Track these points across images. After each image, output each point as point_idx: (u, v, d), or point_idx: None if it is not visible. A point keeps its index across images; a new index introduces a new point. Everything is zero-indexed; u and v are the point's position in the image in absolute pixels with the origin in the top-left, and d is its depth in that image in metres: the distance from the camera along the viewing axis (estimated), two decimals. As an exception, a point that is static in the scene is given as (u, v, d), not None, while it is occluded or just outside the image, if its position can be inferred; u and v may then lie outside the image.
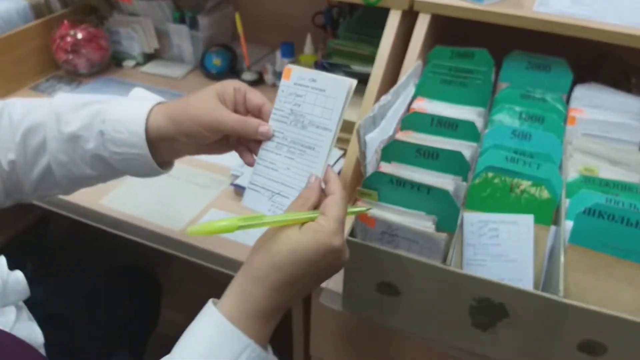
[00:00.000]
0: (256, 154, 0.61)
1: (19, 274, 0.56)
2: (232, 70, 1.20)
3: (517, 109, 0.76)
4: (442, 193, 0.57)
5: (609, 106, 0.77)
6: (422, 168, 0.65)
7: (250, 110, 0.61)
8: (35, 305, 0.86)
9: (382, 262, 0.60)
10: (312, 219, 0.51)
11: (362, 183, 0.60)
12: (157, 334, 1.05)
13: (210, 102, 0.59)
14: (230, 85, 0.60)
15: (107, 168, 0.65)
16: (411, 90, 0.80)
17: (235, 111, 0.60)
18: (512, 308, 0.56)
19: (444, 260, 0.58)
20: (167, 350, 0.50)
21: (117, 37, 1.27)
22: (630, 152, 0.72)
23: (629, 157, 0.70)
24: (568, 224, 0.60)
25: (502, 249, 0.62)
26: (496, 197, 0.64)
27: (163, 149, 0.63)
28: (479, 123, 0.73)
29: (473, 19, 0.82)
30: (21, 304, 0.57)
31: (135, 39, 1.25)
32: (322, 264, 0.50)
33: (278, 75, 1.14)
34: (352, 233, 0.61)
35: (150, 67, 1.27)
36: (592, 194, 0.62)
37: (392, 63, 0.86)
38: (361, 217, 0.59)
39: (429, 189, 0.57)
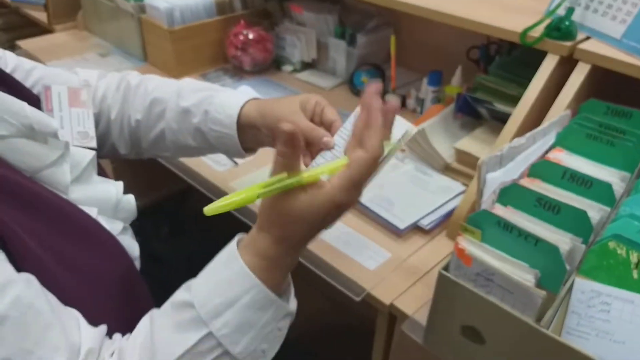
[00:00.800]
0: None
1: (130, 197, 0.67)
2: (377, 90, 1.23)
3: (670, 182, 0.67)
4: (551, 248, 0.53)
5: None
6: (539, 220, 0.60)
7: (324, 123, 0.68)
8: (153, 259, 0.97)
9: (471, 304, 0.57)
10: (336, 169, 0.50)
11: (468, 219, 0.58)
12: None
13: (292, 106, 0.68)
14: (313, 98, 0.69)
15: (204, 142, 0.76)
16: (551, 139, 0.75)
17: (312, 120, 0.68)
18: (606, 393, 0.50)
19: (538, 320, 0.54)
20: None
21: (282, 43, 1.37)
22: None
23: None
24: (700, 321, 0.52)
25: (611, 327, 0.55)
26: (617, 269, 0.57)
27: (249, 135, 0.73)
28: (619, 187, 0.67)
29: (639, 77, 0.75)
30: (128, 226, 0.67)
31: (298, 47, 1.34)
32: (322, 219, 0.51)
33: (420, 101, 1.14)
34: (446, 267, 0.60)
35: (305, 75, 1.36)
36: None
37: (538, 108, 0.82)
38: (458, 253, 0.57)
39: (537, 241, 0.54)
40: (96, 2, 1.46)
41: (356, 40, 1.27)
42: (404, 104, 1.19)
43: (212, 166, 1.01)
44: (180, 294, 0.52)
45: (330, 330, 1.39)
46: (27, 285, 0.46)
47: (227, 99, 0.74)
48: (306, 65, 1.38)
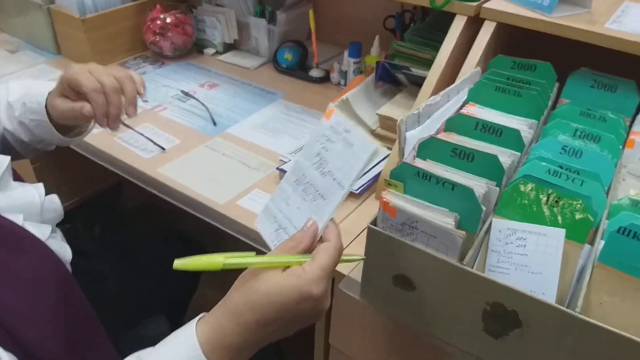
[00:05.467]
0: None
1: (54, 197, 0.66)
2: (301, 66, 1.24)
3: (574, 125, 0.72)
4: (467, 191, 0.56)
5: (677, 134, 0.72)
6: (456, 169, 0.64)
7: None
8: (83, 256, 0.95)
9: (400, 253, 0.60)
10: (300, 263, 0.51)
11: (390, 173, 0.61)
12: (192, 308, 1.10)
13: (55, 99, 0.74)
14: (63, 81, 0.73)
15: (30, 134, 0.79)
16: (464, 95, 0.79)
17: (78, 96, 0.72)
18: (525, 318, 0.54)
19: (461, 259, 0.57)
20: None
21: (202, 25, 1.35)
22: (691, 183, 0.66)
23: (688, 187, 0.65)
24: (602, 244, 0.57)
25: (528, 260, 0.60)
26: (529, 207, 0.61)
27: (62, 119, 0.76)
28: (527, 134, 0.71)
29: (540, 30, 0.80)
30: (57, 228, 0.65)
31: (218, 29, 1.33)
32: (297, 310, 0.50)
33: (343, 74, 1.16)
34: (374, 222, 0.62)
35: (228, 57, 1.35)
36: (633, 216, 0.58)
37: (451, 68, 0.86)
38: (383, 206, 0.60)
39: (453, 186, 0.57)
40: (-2, -5, 1.38)
41: (276, 18, 1.27)
42: (328, 78, 1.20)
43: (139, 154, 0.98)
44: None
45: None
46: None
47: (42, 88, 0.77)
48: (228, 47, 1.37)
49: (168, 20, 1.28)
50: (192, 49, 1.36)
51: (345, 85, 1.16)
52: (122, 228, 1.51)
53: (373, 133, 0.95)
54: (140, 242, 1.09)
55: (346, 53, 1.14)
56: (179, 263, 0.49)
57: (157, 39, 1.29)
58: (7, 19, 1.43)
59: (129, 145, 1.00)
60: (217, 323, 0.51)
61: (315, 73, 1.21)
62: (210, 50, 1.36)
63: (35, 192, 0.64)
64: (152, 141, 1.00)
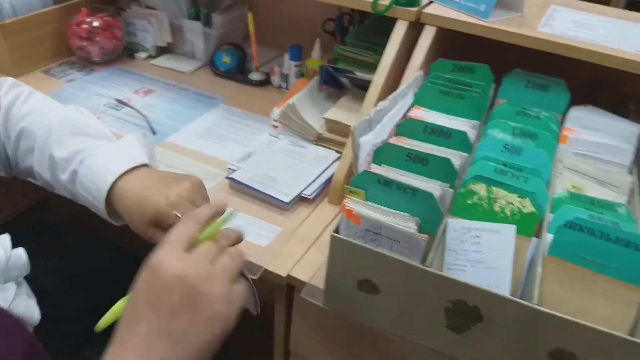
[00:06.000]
0: None
1: (20, 251, 0.59)
2: (240, 70, 1.23)
3: (512, 124, 0.77)
4: (427, 196, 0.58)
5: (603, 129, 0.79)
6: (411, 173, 0.66)
7: None
8: (26, 279, 0.88)
9: (364, 259, 0.61)
10: None
11: (351, 181, 0.62)
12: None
13: (147, 230, 0.63)
14: (171, 214, 0.62)
15: (74, 198, 0.71)
16: (410, 99, 0.81)
17: None
18: (486, 312, 0.57)
19: (424, 261, 0.59)
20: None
21: (132, 29, 1.30)
22: (619, 174, 0.73)
23: (617, 178, 0.71)
24: (549, 237, 0.61)
25: (483, 256, 0.63)
26: (481, 206, 0.65)
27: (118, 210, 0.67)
28: (472, 135, 0.75)
29: (477, 34, 0.84)
30: (21, 280, 0.60)
31: (150, 32, 1.28)
32: (145, 287, 0.49)
33: (284, 77, 1.16)
34: (336, 230, 0.63)
35: (161, 61, 1.30)
36: (576, 210, 0.63)
37: (395, 72, 0.88)
38: (346, 214, 0.61)
39: (414, 191, 0.59)
40: None
41: (211, 21, 1.24)
42: (268, 81, 1.20)
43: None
44: None
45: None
46: None
47: (100, 164, 0.66)
48: (162, 50, 1.32)
49: (95, 24, 1.22)
50: (122, 53, 1.30)
51: (287, 88, 1.15)
52: (54, 246, 1.43)
53: (320, 137, 0.96)
54: (76, 260, 1.04)
55: (287, 56, 1.14)
56: (100, 324, 0.51)
57: (85, 44, 1.22)
58: None
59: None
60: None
61: (255, 76, 1.19)
62: (142, 55, 1.31)
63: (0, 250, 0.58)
64: (89, 154, 0.95)
